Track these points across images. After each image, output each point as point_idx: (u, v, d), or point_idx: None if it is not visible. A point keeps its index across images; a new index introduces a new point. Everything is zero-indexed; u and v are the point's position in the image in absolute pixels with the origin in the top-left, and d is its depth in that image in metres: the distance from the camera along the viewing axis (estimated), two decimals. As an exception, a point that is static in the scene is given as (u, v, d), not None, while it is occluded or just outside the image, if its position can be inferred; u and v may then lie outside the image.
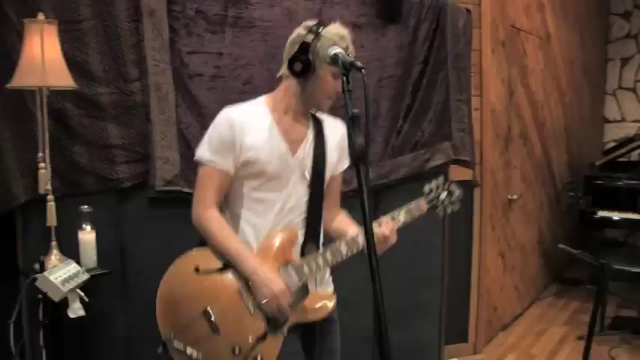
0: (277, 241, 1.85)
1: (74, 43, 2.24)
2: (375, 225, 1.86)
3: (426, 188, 2.07)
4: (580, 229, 5.16)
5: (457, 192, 2.13)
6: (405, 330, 2.91)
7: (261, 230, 1.87)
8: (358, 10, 2.80)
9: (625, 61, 6.17)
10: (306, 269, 1.84)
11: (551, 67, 4.92)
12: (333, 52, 1.62)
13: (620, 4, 6.16)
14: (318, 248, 1.93)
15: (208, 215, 1.84)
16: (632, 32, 6.11)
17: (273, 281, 1.77)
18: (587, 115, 5.94)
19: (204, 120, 2.43)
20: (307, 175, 1.91)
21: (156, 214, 2.44)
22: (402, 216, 1.97)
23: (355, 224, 2.00)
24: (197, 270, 1.79)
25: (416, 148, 3.04)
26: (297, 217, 1.91)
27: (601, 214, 4.77)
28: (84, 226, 2.18)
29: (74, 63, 2.20)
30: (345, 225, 2.03)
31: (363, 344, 2.77)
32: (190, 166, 2.39)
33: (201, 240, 1.90)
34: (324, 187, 1.97)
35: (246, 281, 1.80)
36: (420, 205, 2.03)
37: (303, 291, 1.85)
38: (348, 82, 1.50)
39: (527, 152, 4.58)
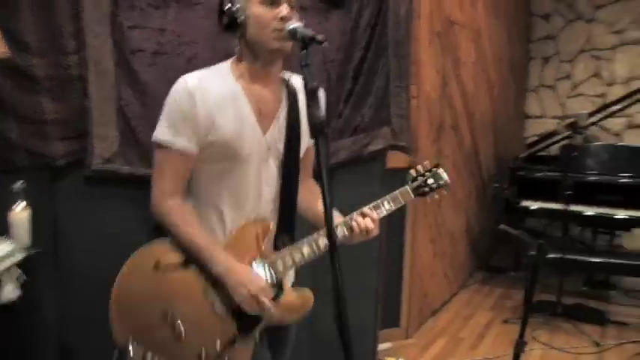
0: (249, 232, 1.69)
1: (5, 9, 2.09)
2: (357, 215, 1.75)
3: (412, 173, 1.88)
4: (505, 219, 5.36)
5: (444, 174, 1.91)
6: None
7: (228, 219, 1.70)
8: (304, -9, 2.78)
9: (546, 60, 6.49)
10: (280, 265, 1.69)
11: (482, 61, 5.10)
12: (291, 27, 1.59)
13: (540, 6, 6.46)
14: (292, 239, 1.76)
15: (170, 205, 1.65)
16: (551, 34, 6.42)
17: (250, 280, 1.61)
18: (512, 110, 6.20)
19: (144, 97, 2.35)
20: (279, 156, 1.74)
21: (92, 193, 2.33)
22: (386, 205, 1.80)
23: (336, 213, 1.78)
24: (157, 266, 1.62)
25: (356, 133, 3.05)
26: (269, 205, 1.76)
27: (524, 203, 4.99)
28: (17, 202, 2.05)
29: (5, 30, 2.04)
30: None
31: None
32: (130, 144, 2.31)
33: (157, 229, 1.70)
34: (298, 167, 1.78)
35: (213, 279, 1.63)
36: (407, 192, 1.85)
37: (278, 290, 1.67)
38: (306, 56, 1.50)
39: (457, 143, 4.71)
